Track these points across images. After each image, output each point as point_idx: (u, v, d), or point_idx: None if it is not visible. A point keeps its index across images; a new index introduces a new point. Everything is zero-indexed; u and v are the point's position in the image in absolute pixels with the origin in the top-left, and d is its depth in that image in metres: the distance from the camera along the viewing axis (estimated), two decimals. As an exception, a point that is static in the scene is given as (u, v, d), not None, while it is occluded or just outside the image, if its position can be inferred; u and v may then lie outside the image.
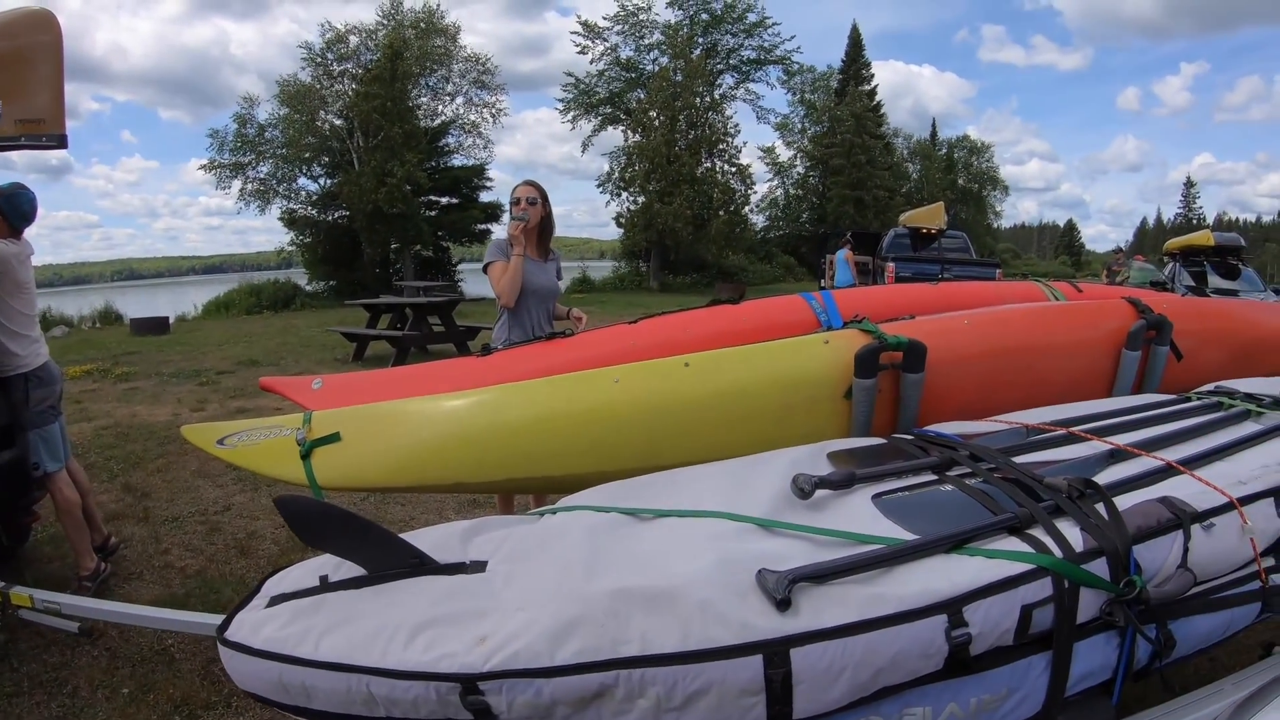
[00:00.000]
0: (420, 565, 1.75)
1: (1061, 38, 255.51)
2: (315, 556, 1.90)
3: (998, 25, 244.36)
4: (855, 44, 48.02)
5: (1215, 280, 14.97)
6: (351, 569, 1.75)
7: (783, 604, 1.48)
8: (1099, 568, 1.70)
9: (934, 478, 2.05)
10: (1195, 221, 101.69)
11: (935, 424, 2.50)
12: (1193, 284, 14.57)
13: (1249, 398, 2.76)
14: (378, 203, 28.88)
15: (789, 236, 45.15)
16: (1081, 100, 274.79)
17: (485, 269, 3.79)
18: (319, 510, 1.74)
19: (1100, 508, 1.82)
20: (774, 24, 39.30)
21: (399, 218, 29.72)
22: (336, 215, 32.45)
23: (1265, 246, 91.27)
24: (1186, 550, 1.82)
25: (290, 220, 32.68)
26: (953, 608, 1.55)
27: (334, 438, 2.59)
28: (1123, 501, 1.90)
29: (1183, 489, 1.99)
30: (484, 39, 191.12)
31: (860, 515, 1.82)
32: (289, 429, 2.60)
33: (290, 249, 33.72)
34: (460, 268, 35.16)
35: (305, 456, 2.56)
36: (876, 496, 1.92)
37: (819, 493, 1.89)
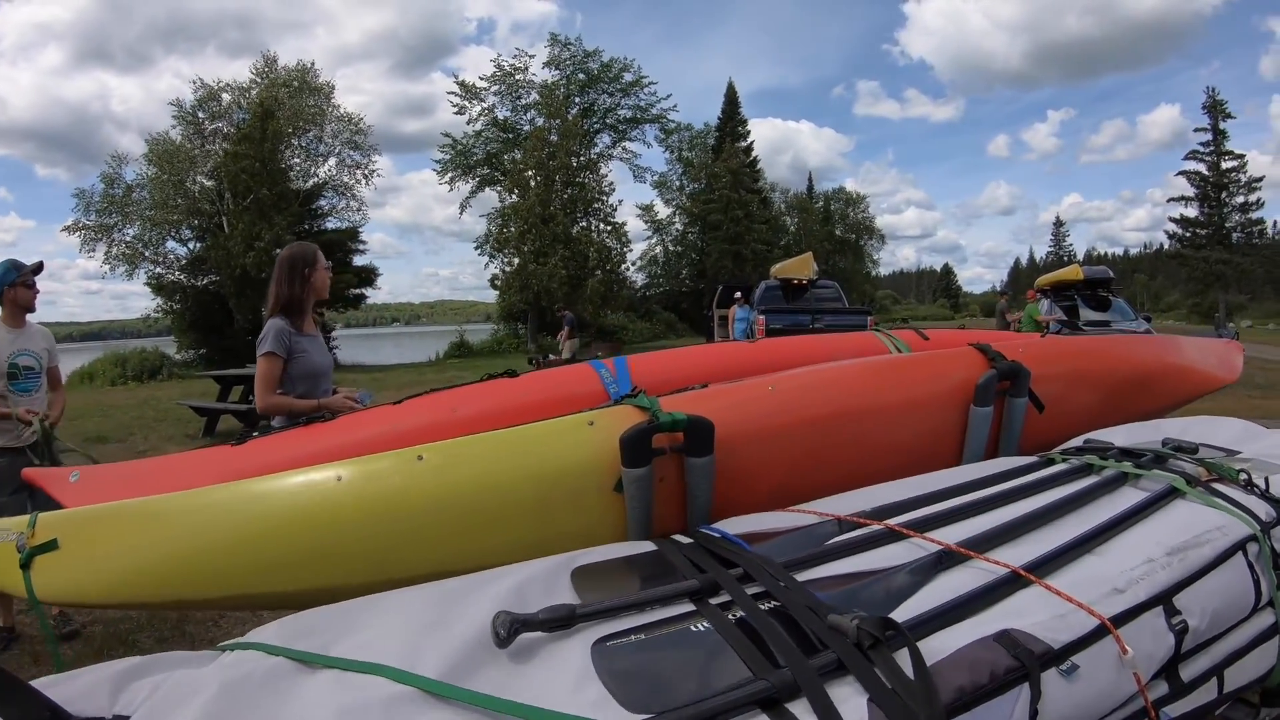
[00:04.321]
0: (53, 721, 1.32)
1: (934, 90, 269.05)
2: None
3: (872, 80, 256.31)
4: (731, 101, 49.28)
5: (1087, 313, 15.26)
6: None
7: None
8: None
9: (690, 609, 1.53)
10: (1066, 259, 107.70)
11: (733, 517, 2.07)
12: (1065, 319, 14.83)
13: (1125, 455, 2.33)
14: (245, 267, 27.76)
15: (669, 293, 45.49)
16: (955, 149, 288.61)
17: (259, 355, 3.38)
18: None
19: (905, 659, 1.32)
20: (650, 83, 40.08)
21: (268, 282, 28.41)
22: (206, 280, 31.02)
23: (1134, 277, 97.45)
24: (1035, 714, 1.34)
25: (158, 286, 31.14)
26: None
27: (51, 545, 2.14)
28: (941, 643, 1.41)
29: (1034, 610, 1.50)
30: (369, 98, 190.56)
31: (567, 674, 1.35)
32: (14, 532, 2.16)
33: (157, 315, 32.15)
34: (336, 334, 34.03)
35: (25, 565, 2.11)
36: (601, 642, 1.42)
37: (526, 636, 1.42)
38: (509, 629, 1.39)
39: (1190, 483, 2.09)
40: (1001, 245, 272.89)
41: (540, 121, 35.61)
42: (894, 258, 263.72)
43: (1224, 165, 48.18)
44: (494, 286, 35.09)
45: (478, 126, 38.00)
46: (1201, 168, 48.86)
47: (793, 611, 1.47)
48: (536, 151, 32.34)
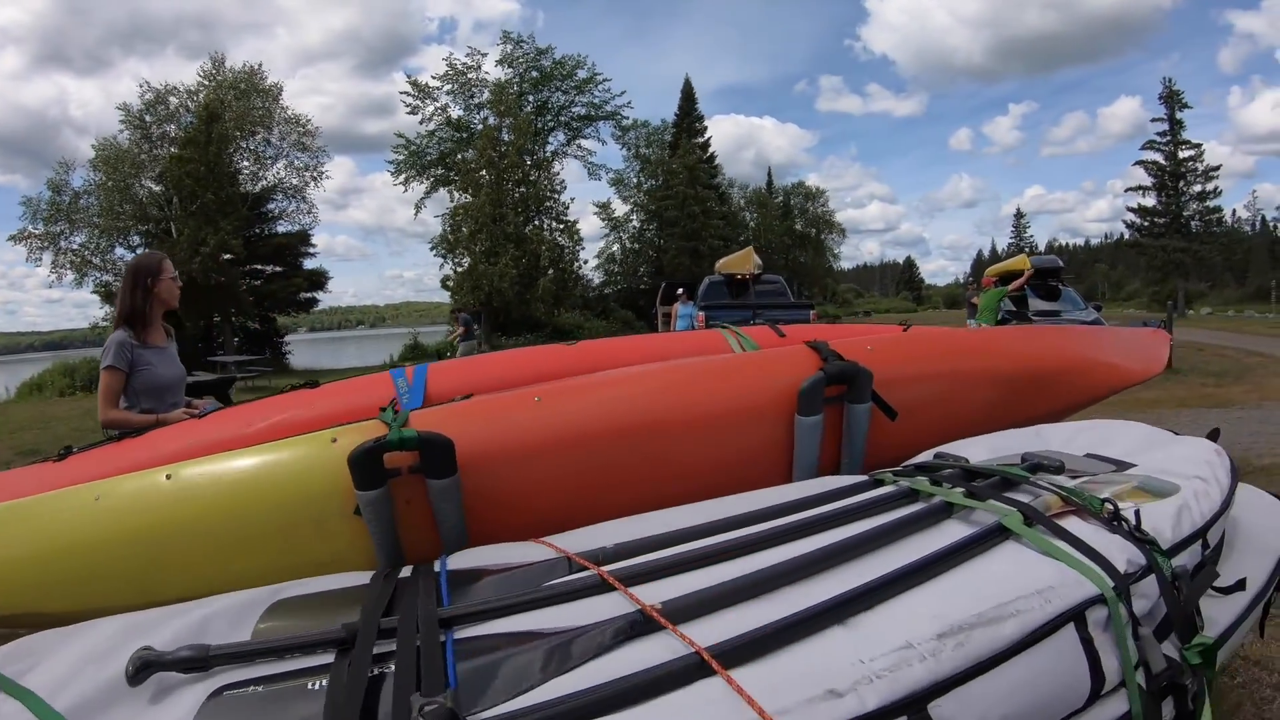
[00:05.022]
0: None
1: (896, 85, 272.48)
2: None
3: (835, 76, 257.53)
4: (688, 97, 49.10)
5: (1036, 303, 15.19)
6: None
7: None
8: None
9: (328, 660, 1.33)
10: (1029, 249, 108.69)
11: (477, 548, 1.88)
12: (1014, 308, 14.77)
13: (965, 477, 1.91)
14: (191, 273, 27.44)
15: (627, 291, 45.36)
16: (917, 143, 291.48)
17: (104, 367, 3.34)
18: None
19: None
20: (604, 80, 39.86)
21: (216, 289, 28.37)
22: (157, 288, 30.48)
23: (1095, 267, 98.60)
24: None
25: (107, 294, 30.65)
26: None
27: None
28: None
29: (693, 717, 1.14)
30: (331, 99, 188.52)
31: (169, 721, 1.21)
32: None
33: (105, 324, 31.66)
34: (288, 339, 33.67)
35: None
36: (220, 691, 1.28)
37: (166, 676, 1.30)
38: (139, 667, 1.30)
39: (1030, 519, 1.62)
40: (965, 238, 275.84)
41: (493, 120, 35.48)
42: (858, 251, 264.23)
43: (1181, 155, 48.75)
44: (444, 287, 34.75)
45: (431, 126, 37.71)
46: (1159, 158, 49.44)
47: (395, 680, 1.25)
48: (487, 150, 32.11)
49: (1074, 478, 1.93)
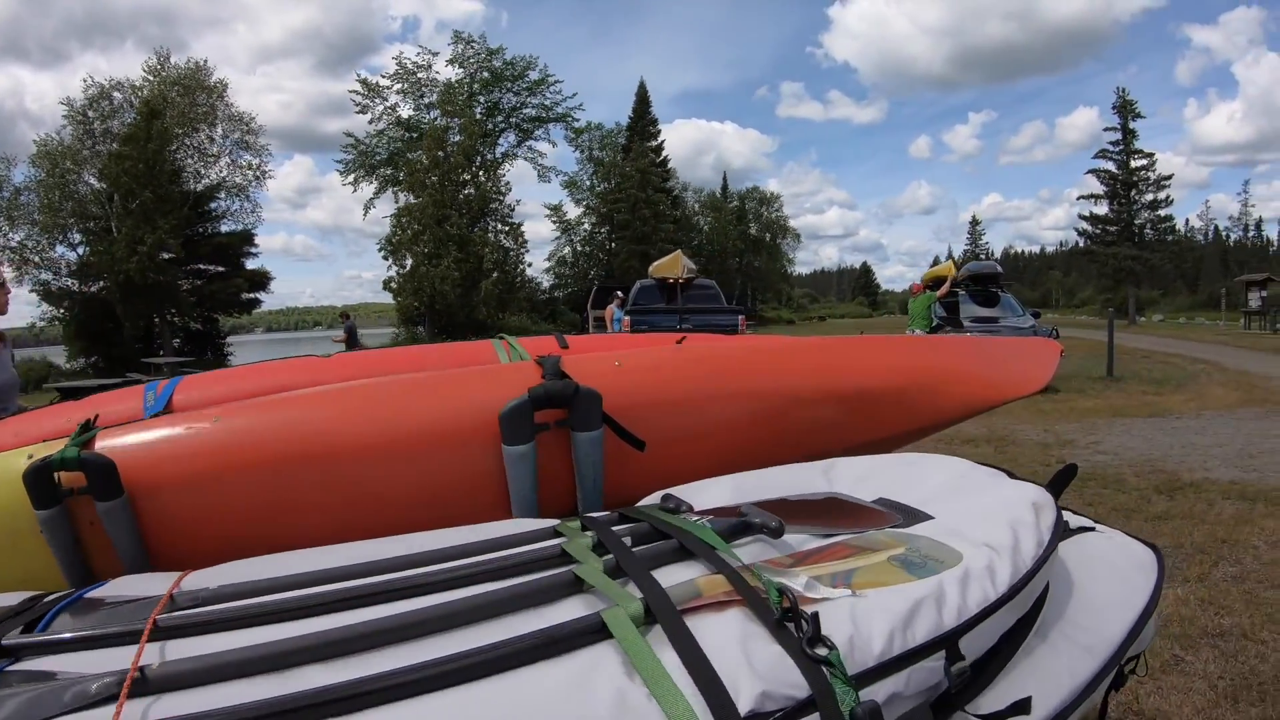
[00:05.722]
0: None
1: (857, 93, 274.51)
2: None
3: (796, 82, 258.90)
4: (642, 101, 49.29)
5: (972, 309, 15.11)
6: None
7: None
8: None
9: None
10: (984, 256, 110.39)
11: (134, 575, 1.71)
12: (945, 314, 14.66)
13: (650, 535, 1.51)
14: (129, 273, 26.97)
15: (577, 293, 45.32)
16: (877, 150, 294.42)
17: None
18: None
19: None
20: (556, 81, 39.83)
21: (155, 288, 27.91)
22: (98, 286, 29.98)
23: (1050, 274, 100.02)
24: None
25: (46, 293, 30.01)
26: None
27: None
28: None
29: None
30: (291, 97, 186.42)
31: None
32: None
33: (42, 323, 31.02)
34: (230, 340, 33.12)
35: None
36: None
37: None
38: None
39: (655, 611, 1.17)
40: (923, 244, 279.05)
41: (441, 121, 35.19)
42: (816, 257, 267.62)
43: (1133, 164, 49.74)
44: (386, 289, 34.24)
45: (380, 126, 37.43)
46: (1111, 166, 50.39)
47: None
48: (433, 150, 31.88)
49: (803, 543, 1.46)
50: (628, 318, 14.62)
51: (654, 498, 1.83)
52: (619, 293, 17.52)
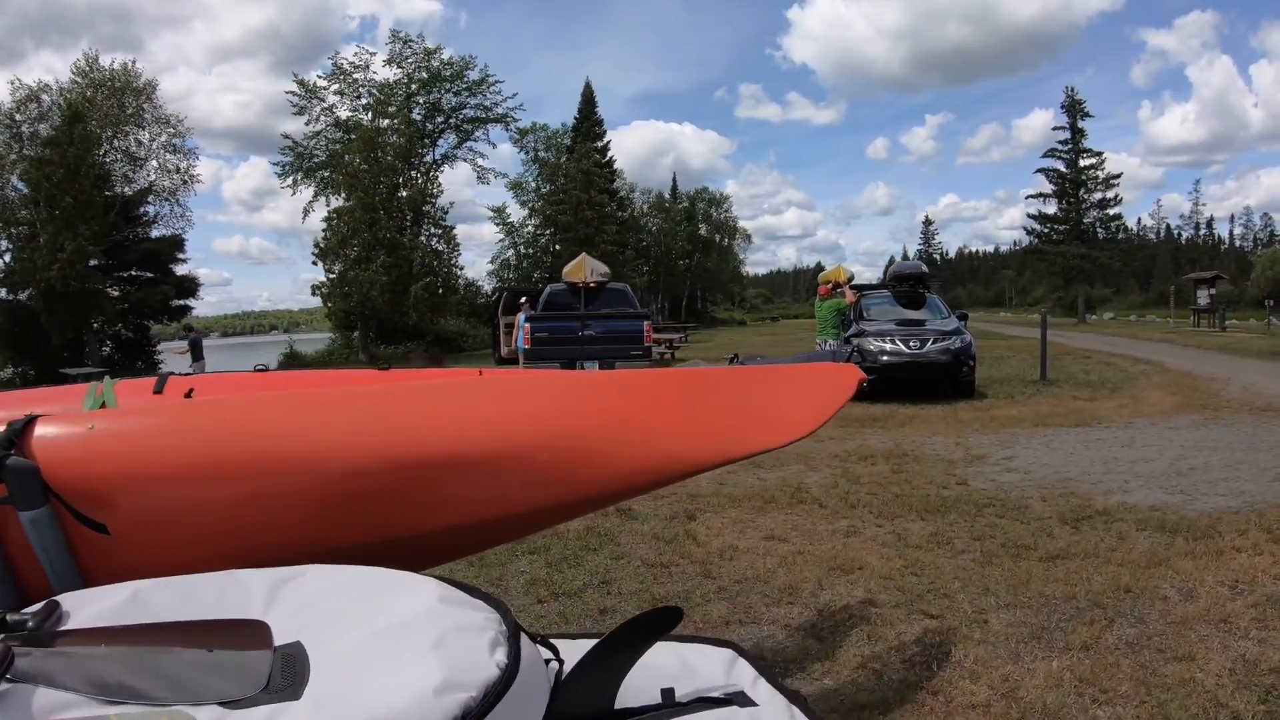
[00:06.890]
0: None
1: (816, 94, 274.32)
2: None
3: (755, 84, 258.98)
4: (588, 101, 49.19)
5: (899, 311, 13.82)
6: None
7: None
8: None
9: None
10: (938, 257, 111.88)
11: None
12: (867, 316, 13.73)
13: None
14: (50, 280, 26.40)
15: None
16: (835, 151, 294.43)
17: None
18: None
19: None
20: (496, 81, 39.54)
21: (79, 296, 27.29)
22: (25, 294, 29.25)
23: (1004, 273, 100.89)
24: None
25: (-27, 299, 29.36)
26: None
27: None
28: None
29: None
30: (248, 97, 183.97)
31: None
32: None
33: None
34: (161, 347, 32.46)
35: None
36: None
37: None
38: None
39: None
40: (880, 244, 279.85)
41: (382, 123, 34.62)
42: (774, 257, 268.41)
43: (1082, 163, 50.44)
44: (315, 294, 33.37)
45: (318, 127, 36.94)
46: (1060, 165, 51.04)
47: None
48: (365, 152, 31.37)
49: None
50: (528, 325, 14.51)
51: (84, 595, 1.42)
52: (524, 299, 17.42)
